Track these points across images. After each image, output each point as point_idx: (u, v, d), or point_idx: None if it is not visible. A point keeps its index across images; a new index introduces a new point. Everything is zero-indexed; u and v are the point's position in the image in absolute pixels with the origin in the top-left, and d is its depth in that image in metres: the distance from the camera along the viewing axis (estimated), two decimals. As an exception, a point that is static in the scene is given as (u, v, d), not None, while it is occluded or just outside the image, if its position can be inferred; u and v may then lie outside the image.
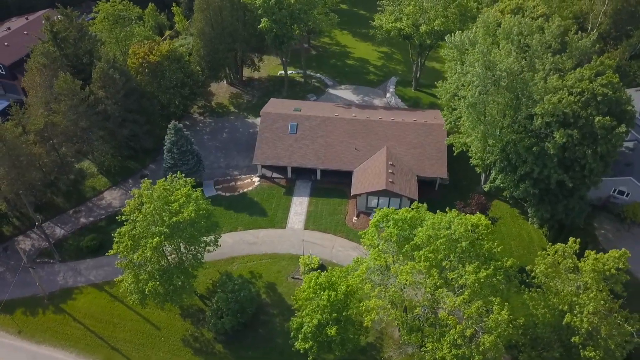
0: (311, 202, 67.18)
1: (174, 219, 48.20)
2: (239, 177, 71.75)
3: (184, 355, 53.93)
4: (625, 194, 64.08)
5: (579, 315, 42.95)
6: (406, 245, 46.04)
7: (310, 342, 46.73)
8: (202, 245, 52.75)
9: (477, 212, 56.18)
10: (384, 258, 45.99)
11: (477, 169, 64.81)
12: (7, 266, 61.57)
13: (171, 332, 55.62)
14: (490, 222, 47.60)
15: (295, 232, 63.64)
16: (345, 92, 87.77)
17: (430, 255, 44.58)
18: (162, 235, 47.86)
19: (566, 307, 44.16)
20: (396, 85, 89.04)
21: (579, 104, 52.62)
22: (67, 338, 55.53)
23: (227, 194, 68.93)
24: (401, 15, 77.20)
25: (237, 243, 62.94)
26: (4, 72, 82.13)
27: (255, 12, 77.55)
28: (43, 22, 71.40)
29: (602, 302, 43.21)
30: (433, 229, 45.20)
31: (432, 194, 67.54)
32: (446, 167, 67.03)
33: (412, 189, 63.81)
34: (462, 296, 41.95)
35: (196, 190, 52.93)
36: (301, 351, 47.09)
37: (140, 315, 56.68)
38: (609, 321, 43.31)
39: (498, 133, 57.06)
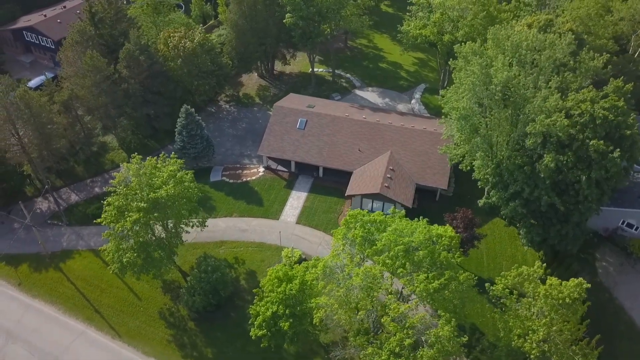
0: (309, 197, 68.04)
1: (152, 195, 50.53)
2: (247, 166, 73.80)
3: (157, 327, 56.56)
4: (635, 227, 60.39)
5: (529, 341, 41.42)
6: (368, 250, 46.15)
7: (265, 331, 47.93)
8: (184, 224, 54.94)
9: (462, 227, 55.51)
10: (342, 258, 46.25)
11: (479, 183, 63.18)
12: (21, 224, 66.69)
13: (150, 303, 58.43)
14: (457, 234, 46.72)
15: (287, 225, 64.75)
16: (371, 95, 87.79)
17: (388, 261, 44.55)
18: (141, 211, 50.31)
19: (519, 330, 42.70)
20: (423, 92, 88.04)
21: (577, 127, 50.39)
22: (59, 296, 59.62)
23: (231, 181, 71.16)
24: (428, 22, 76.33)
25: (230, 228, 64.94)
26: (53, 47, 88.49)
27: (285, 8, 79.14)
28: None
29: (557, 330, 41.41)
30: (394, 235, 44.99)
31: (432, 204, 66.66)
32: (447, 178, 65.90)
33: (408, 196, 63.24)
34: (408, 305, 41.60)
35: (187, 173, 55.07)
36: (253, 337, 48.39)
37: (126, 284, 59.90)
38: (562, 351, 41.49)
39: (494, 148, 55.62)
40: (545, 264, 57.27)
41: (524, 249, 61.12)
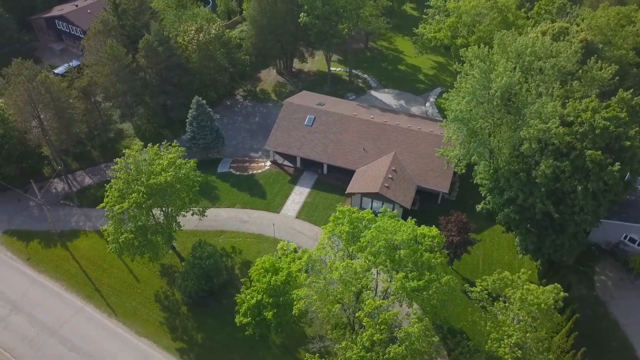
0: (311, 193, 68.95)
1: (151, 180, 52.28)
2: (254, 159, 75.25)
3: (152, 309, 58.37)
4: (637, 242, 59.00)
5: (503, 345, 41.25)
6: (352, 246, 46.72)
7: (249, 319, 49.12)
8: (183, 210, 56.60)
9: (455, 231, 55.43)
10: (326, 251, 46.97)
11: (481, 188, 62.80)
12: (37, 203, 69.87)
13: (148, 286, 60.36)
14: (441, 234, 46.83)
15: (287, 219, 65.84)
16: (385, 96, 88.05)
17: (370, 257, 45.02)
18: (140, 193, 52.15)
19: (495, 334, 42.56)
20: (439, 95, 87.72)
21: (577, 135, 49.72)
22: (63, 272, 62.18)
23: (238, 173, 72.74)
24: (443, 26, 76.27)
25: (231, 218, 66.43)
26: (82, 36, 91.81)
27: (303, 6, 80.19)
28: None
29: (533, 337, 41.07)
30: (377, 232, 45.42)
31: (434, 207, 66.57)
32: (449, 182, 65.71)
33: (407, 197, 63.38)
34: (383, 301, 41.99)
35: (188, 161, 56.67)
36: (238, 325, 49.65)
37: (126, 266, 62.02)
38: (537, 359, 41.15)
39: (494, 153, 55.34)
40: (538, 273, 57.81)
41: (520, 256, 60.40)
